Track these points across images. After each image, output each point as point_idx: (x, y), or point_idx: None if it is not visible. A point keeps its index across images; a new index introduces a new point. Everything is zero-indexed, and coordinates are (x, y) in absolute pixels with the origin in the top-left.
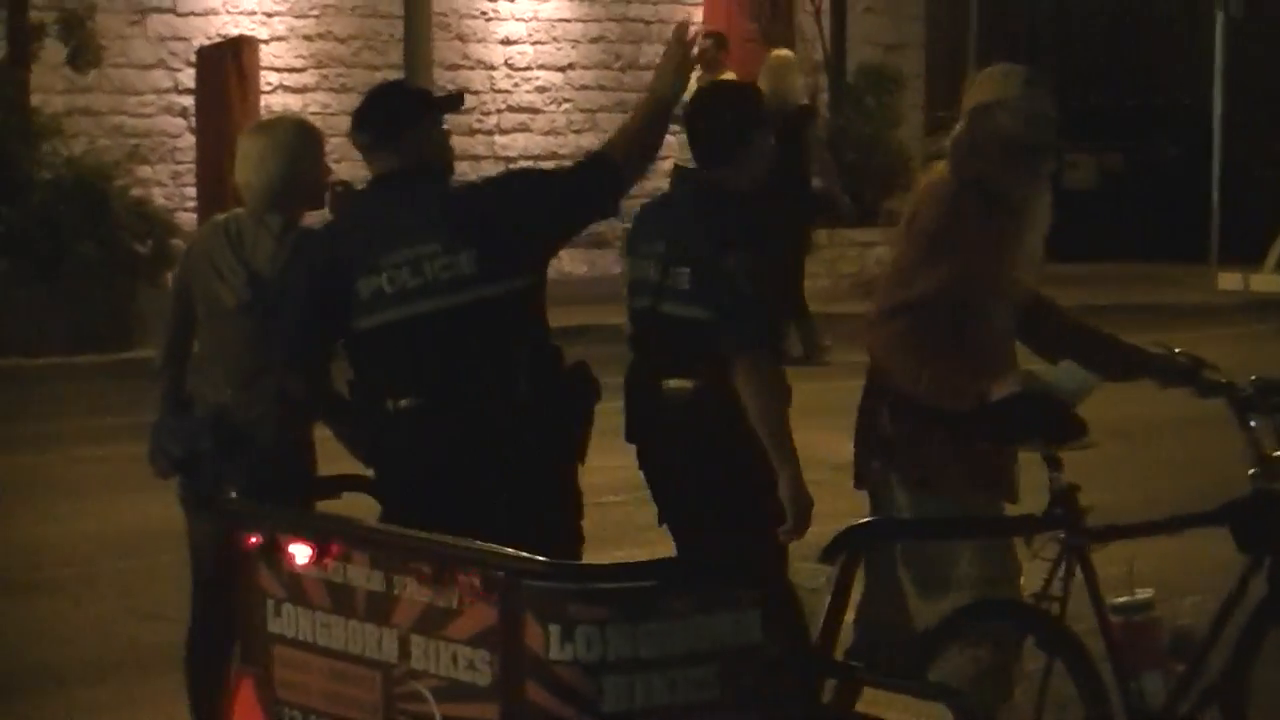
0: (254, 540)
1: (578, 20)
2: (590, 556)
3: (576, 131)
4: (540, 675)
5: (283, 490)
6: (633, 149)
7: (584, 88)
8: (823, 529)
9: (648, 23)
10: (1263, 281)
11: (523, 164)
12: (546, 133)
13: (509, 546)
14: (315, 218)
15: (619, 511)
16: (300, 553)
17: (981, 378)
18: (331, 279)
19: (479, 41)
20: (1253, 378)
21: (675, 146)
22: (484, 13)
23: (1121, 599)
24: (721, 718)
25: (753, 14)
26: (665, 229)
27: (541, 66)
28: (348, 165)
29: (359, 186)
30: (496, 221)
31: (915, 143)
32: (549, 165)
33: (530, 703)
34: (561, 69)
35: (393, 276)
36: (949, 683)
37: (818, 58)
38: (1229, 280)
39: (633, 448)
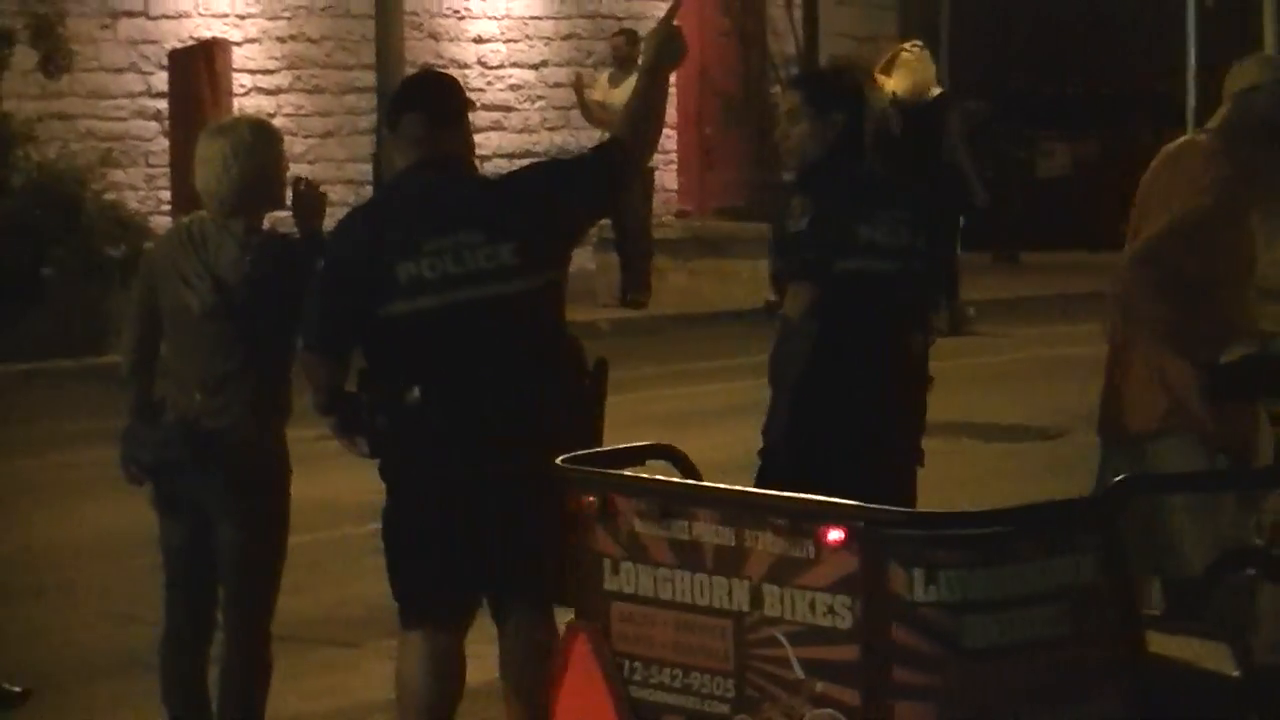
0: (588, 501)
1: (550, 18)
2: None
3: (550, 129)
4: (904, 617)
5: (260, 485)
6: (638, 125)
7: (557, 85)
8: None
9: (619, 19)
10: None
11: (497, 162)
12: (520, 131)
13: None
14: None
15: None
16: (643, 514)
17: (1222, 334)
18: (372, 259)
19: (451, 40)
20: None
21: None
22: (456, 11)
23: None
24: (1067, 654)
25: (724, 8)
26: (901, 198)
27: (514, 65)
28: (321, 166)
29: (312, 180)
30: (535, 214)
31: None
32: (527, 162)
33: (894, 643)
34: (534, 67)
35: (434, 263)
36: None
37: (789, 51)
38: None
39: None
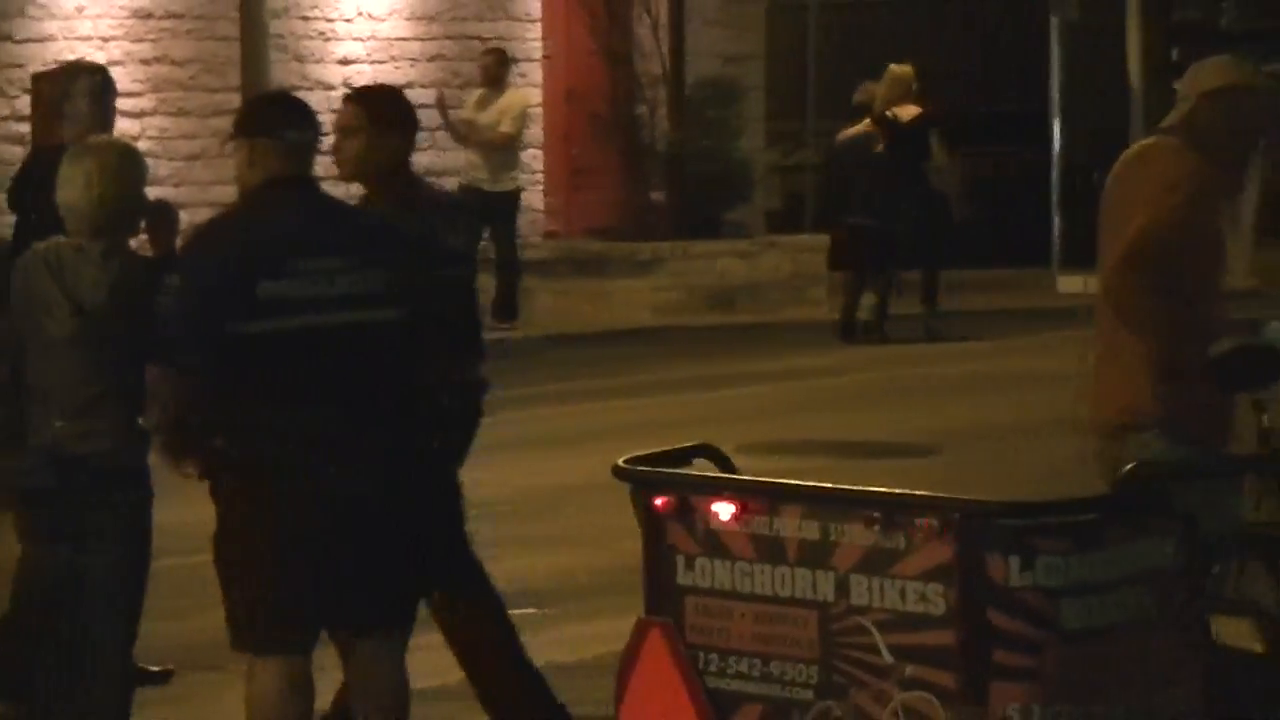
0: (663, 502)
1: (415, 39)
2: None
3: (417, 150)
4: (1002, 601)
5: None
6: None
7: (423, 106)
8: None
9: (485, 39)
10: None
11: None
12: None
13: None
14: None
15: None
16: (723, 511)
17: (1207, 327)
18: (234, 276)
19: (317, 62)
20: None
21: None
22: (321, 33)
23: None
24: (1152, 636)
25: (591, 29)
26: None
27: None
28: (186, 189)
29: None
30: (402, 250)
31: (757, 154)
32: None
33: (993, 626)
34: (401, 88)
35: (301, 284)
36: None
37: (656, 71)
38: (1069, 284)
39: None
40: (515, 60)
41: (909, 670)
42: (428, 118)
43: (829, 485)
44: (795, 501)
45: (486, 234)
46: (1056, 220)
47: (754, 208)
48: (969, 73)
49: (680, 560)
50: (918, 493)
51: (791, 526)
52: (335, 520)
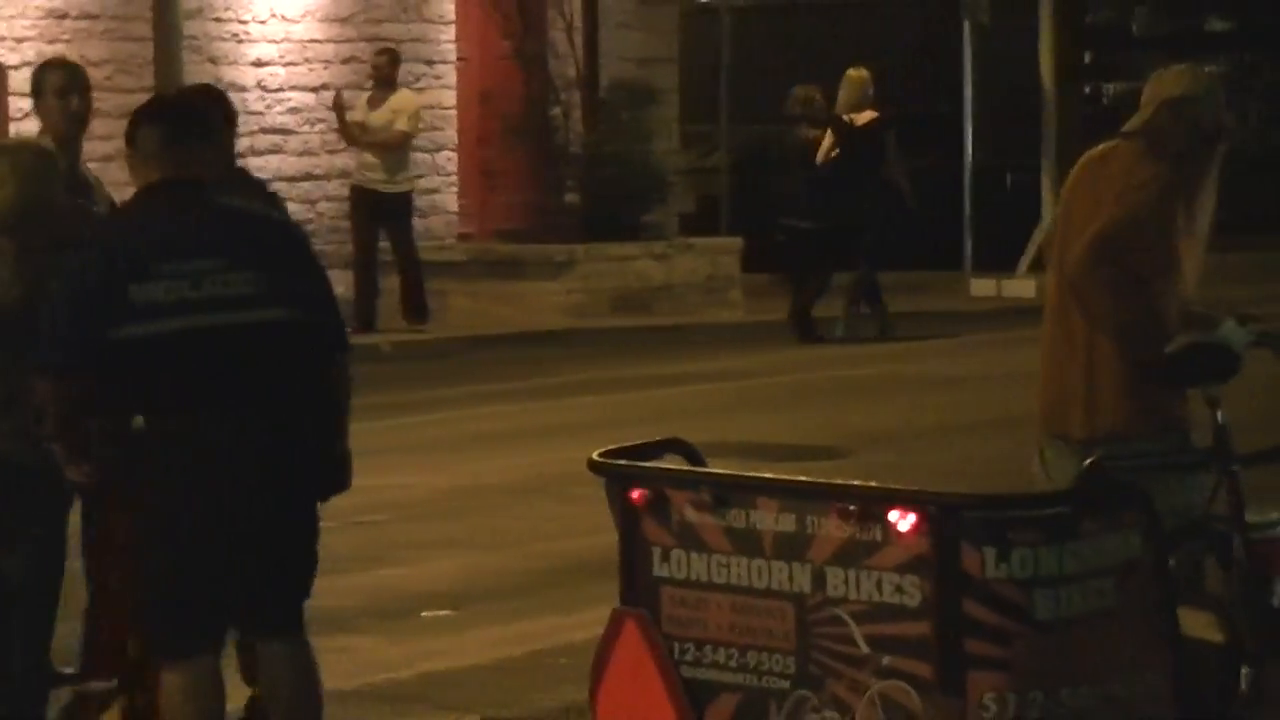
0: (639, 495)
1: (330, 41)
2: (354, 574)
3: (330, 152)
4: (977, 592)
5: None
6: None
7: (349, 109)
8: None
9: (399, 42)
10: (1015, 287)
11: (278, 185)
12: (301, 154)
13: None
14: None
15: (379, 530)
16: (698, 504)
17: (1165, 326)
18: (107, 280)
19: (230, 64)
20: None
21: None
22: (235, 35)
23: (1256, 518)
24: (1119, 626)
25: (505, 31)
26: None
27: (294, 88)
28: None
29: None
30: (276, 252)
31: (671, 156)
32: (305, 186)
33: (968, 617)
34: (314, 90)
35: (171, 286)
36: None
37: (570, 74)
38: (982, 286)
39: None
40: (430, 63)
41: (885, 660)
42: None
43: (806, 479)
44: (772, 495)
45: (382, 236)
46: (969, 224)
47: (668, 210)
48: (881, 77)
49: (656, 552)
50: (895, 486)
51: (768, 520)
52: (219, 524)
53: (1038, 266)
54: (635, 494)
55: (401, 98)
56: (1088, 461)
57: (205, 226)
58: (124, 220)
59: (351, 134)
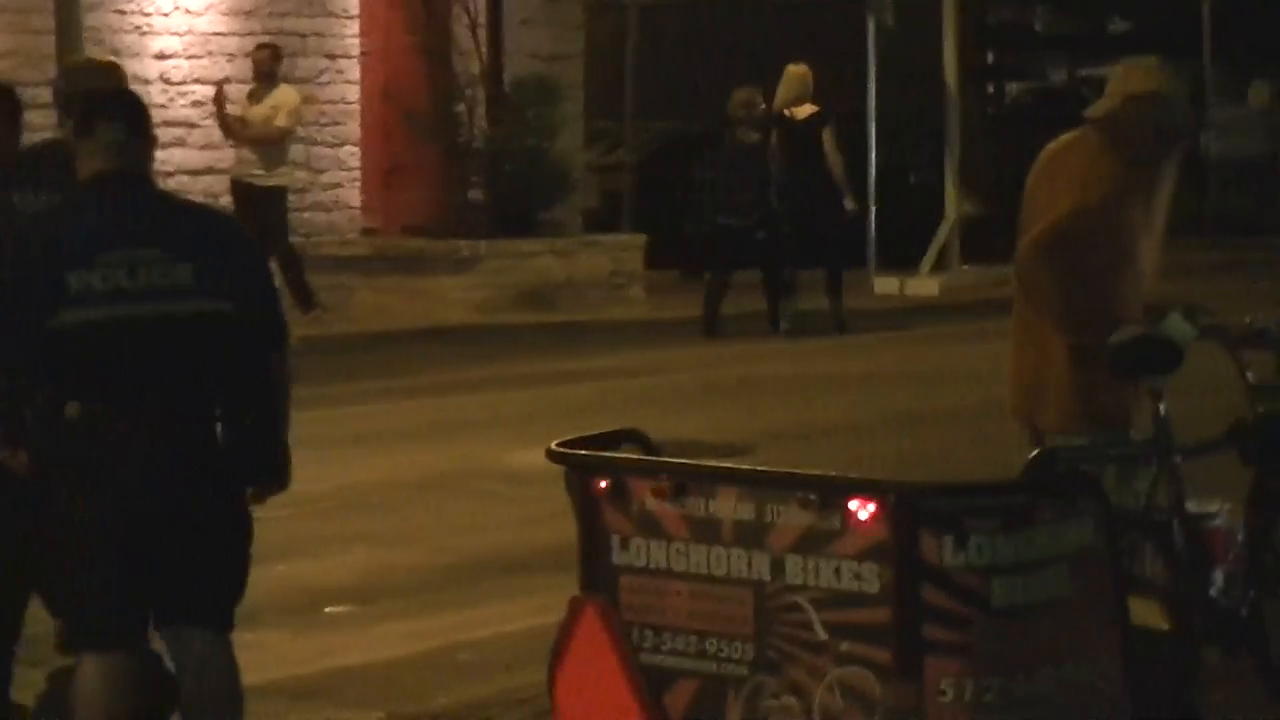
0: (599, 484)
1: (233, 34)
2: (258, 569)
3: (233, 146)
4: (936, 580)
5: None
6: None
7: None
8: None
9: (303, 36)
10: (918, 285)
11: (180, 179)
12: (203, 147)
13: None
14: None
15: (283, 525)
16: (659, 493)
17: (1114, 318)
18: (44, 267)
19: (133, 56)
20: (1247, 319)
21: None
22: (138, 27)
23: (1194, 509)
24: (1073, 613)
25: (409, 26)
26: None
27: (197, 80)
28: None
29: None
30: (216, 245)
31: (576, 153)
32: (208, 179)
33: (927, 604)
34: (217, 83)
35: (107, 274)
36: None
37: (475, 70)
38: (885, 285)
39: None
40: (333, 57)
41: (844, 646)
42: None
43: (765, 468)
44: (732, 483)
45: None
46: (872, 222)
47: (572, 206)
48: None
49: (615, 540)
50: (854, 475)
51: (727, 508)
52: (140, 515)
53: (940, 265)
54: (596, 483)
55: (282, 93)
56: (1034, 453)
57: (147, 217)
58: (71, 209)
59: (231, 128)
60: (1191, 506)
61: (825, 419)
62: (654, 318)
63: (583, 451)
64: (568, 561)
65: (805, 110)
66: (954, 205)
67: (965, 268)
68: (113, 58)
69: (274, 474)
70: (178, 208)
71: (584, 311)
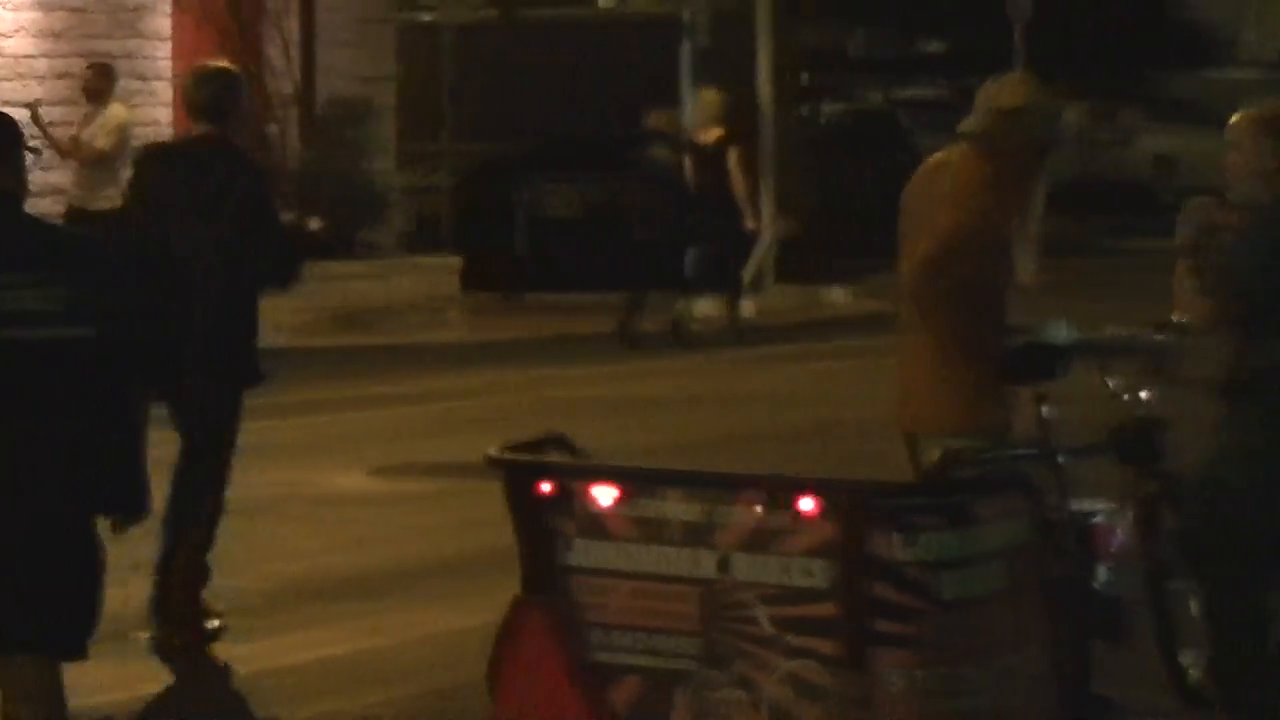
0: (542, 487)
1: (43, 56)
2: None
3: (44, 169)
4: (887, 575)
5: None
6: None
7: (51, 124)
8: None
9: (114, 58)
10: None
11: None
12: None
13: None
14: None
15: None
16: (604, 495)
17: (998, 330)
18: None
19: None
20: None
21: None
22: None
23: (1082, 507)
24: (1009, 605)
25: (221, 47)
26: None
27: (6, 103)
28: None
29: None
30: (85, 270)
31: (389, 174)
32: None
33: (878, 598)
34: (27, 106)
35: None
36: None
37: (287, 91)
38: (703, 306)
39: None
40: (145, 79)
41: (793, 640)
42: (57, 136)
43: (712, 471)
44: (679, 485)
45: None
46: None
47: (388, 228)
48: (603, 97)
49: (561, 542)
50: (802, 476)
51: (675, 509)
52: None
53: (755, 286)
54: (540, 486)
55: (110, 113)
56: (938, 455)
57: (16, 241)
58: None
59: (61, 149)
60: (1077, 504)
61: (650, 441)
62: (474, 340)
63: (525, 456)
64: (395, 584)
65: (713, 134)
66: (771, 224)
67: (781, 288)
68: None
69: (132, 504)
70: (49, 231)
71: (401, 334)
